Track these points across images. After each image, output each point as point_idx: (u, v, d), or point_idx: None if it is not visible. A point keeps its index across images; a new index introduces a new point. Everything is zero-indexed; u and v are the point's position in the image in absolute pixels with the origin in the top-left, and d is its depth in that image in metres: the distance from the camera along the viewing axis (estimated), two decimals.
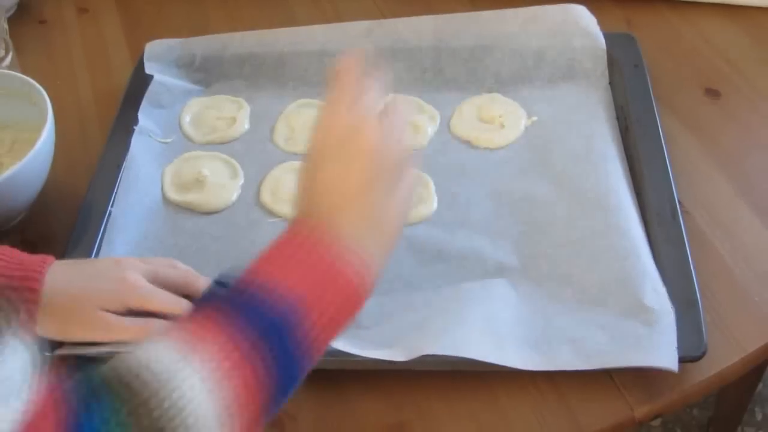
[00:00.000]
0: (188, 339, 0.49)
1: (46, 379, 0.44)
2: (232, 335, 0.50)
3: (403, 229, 0.62)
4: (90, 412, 0.45)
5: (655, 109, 0.86)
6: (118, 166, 0.86)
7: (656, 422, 1.49)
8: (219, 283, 0.54)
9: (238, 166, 0.89)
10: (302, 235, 0.56)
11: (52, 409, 0.44)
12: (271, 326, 0.51)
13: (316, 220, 0.57)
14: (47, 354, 0.66)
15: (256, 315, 0.51)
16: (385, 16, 1.05)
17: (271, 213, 0.84)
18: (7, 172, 0.77)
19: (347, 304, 0.55)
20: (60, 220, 0.85)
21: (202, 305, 0.54)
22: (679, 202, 0.78)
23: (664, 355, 0.66)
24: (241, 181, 0.87)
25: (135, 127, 0.90)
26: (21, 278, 0.66)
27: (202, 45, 0.98)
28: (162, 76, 0.95)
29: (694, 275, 0.72)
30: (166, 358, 0.48)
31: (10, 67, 0.94)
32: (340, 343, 0.66)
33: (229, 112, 0.94)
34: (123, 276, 0.69)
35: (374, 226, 0.58)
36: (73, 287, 0.68)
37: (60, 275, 0.68)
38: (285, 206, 0.84)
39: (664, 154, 0.82)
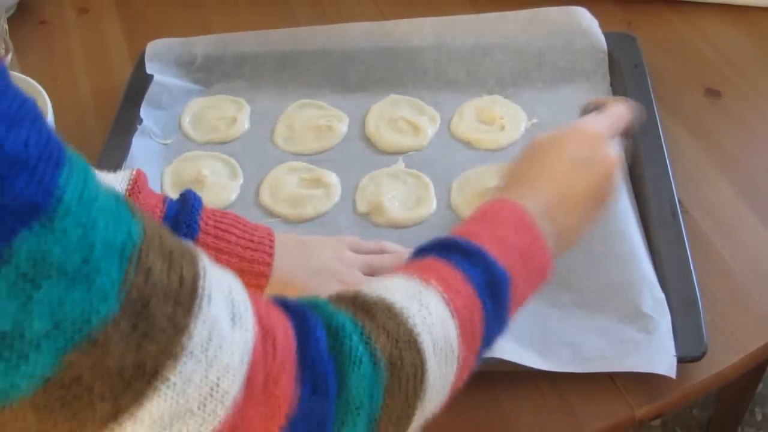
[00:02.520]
0: (425, 269, 0.51)
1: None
2: (461, 275, 0.51)
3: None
4: (317, 322, 0.44)
5: (655, 109, 0.86)
6: (118, 166, 0.86)
7: (656, 422, 1.49)
8: (433, 241, 0.55)
9: (237, 166, 0.89)
10: (511, 203, 0.58)
11: (278, 318, 0.43)
12: (495, 277, 0.52)
13: (528, 202, 0.58)
14: None
15: (482, 263, 0.52)
16: (385, 18, 1.05)
17: (270, 213, 0.84)
18: None
19: (542, 274, 0.58)
20: None
21: (423, 255, 0.54)
22: (680, 203, 0.78)
23: (661, 361, 0.66)
24: (240, 181, 0.87)
25: (138, 126, 0.90)
26: (251, 260, 0.66)
27: (203, 44, 0.98)
28: (162, 76, 0.95)
29: (694, 275, 0.72)
30: (404, 282, 0.49)
31: (10, 67, 0.93)
32: None
33: (229, 112, 0.94)
34: (343, 279, 0.69)
35: (568, 233, 0.61)
36: (297, 281, 0.68)
37: (283, 262, 0.68)
38: (284, 206, 0.84)
39: (664, 154, 0.82)
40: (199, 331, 0.37)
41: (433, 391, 0.48)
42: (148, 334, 0.36)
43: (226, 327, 0.39)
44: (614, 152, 0.65)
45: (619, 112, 0.69)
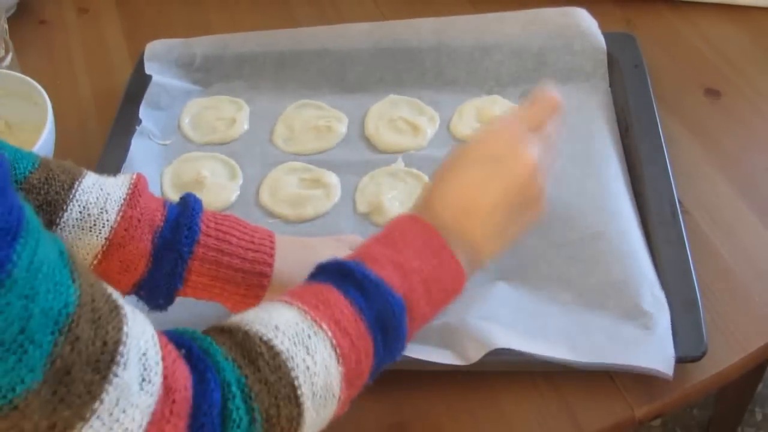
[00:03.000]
0: (320, 304, 0.51)
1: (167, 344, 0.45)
2: (354, 310, 0.51)
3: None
4: (215, 381, 0.45)
5: (655, 109, 0.86)
6: (118, 167, 0.86)
7: (656, 422, 1.49)
8: (331, 264, 0.55)
9: (237, 166, 0.89)
10: (420, 224, 0.57)
11: (181, 376, 0.44)
12: (390, 309, 0.52)
13: (434, 216, 0.58)
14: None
15: (376, 296, 0.52)
16: (385, 18, 1.05)
17: (270, 213, 0.84)
18: None
19: (452, 293, 0.57)
20: None
21: (319, 279, 0.54)
22: (679, 202, 0.78)
23: (660, 360, 0.66)
24: (240, 181, 0.87)
25: (137, 127, 0.90)
26: (252, 261, 0.66)
27: (202, 45, 0.98)
28: (161, 77, 0.95)
29: (694, 275, 0.72)
30: (296, 323, 0.49)
31: (10, 67, 0.94)
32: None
33: (228, 113, 0.94)
34: None
35: (485, 245, 0.59)
36: (298, 282, 0.69)
37: (283, 263, 0.68)
38: (284, 206, 0.84)
39: (664, 154, 0.82)
40: (110, 397, 0.40)
41: None
42: (65, 399, 0.38)
43: (134, 390, 0.41)
44: (531, 150, 0.61)
45: (540, 103, 0.65)
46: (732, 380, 0.71)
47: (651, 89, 0.88)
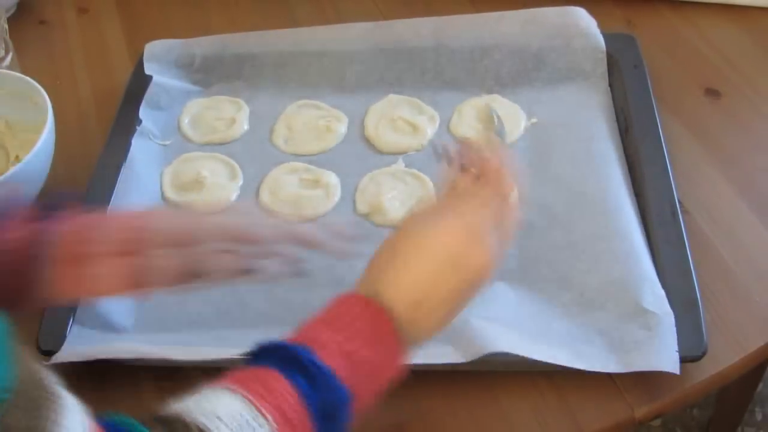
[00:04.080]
0: (267, 393, 0.49)
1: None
2: (300, 400, 0.50)
3: None
4: None
5: (655, 109, 0.86)
6: (118, 167, 0.86)
7: (656, 422, 1.49)
8: (278, 347, 0.53)
9: (237, 166, 0.89)
10: (372, 309, 0.55)
11: None
12: (336, 401, 0.51)
13: (385, 303, 0.55)
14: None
15: (324, 387, 0.51)
16: (385, 17, 1.05)
17: (270, 213, 0.84)
18: (7, 173, 0.77)
19: (390, 380, 0.55)
20: None
21: (264, 363, 0.52)
22: (679, 203, 0.78)
23: (664, 358, 0.66)
24: (240, 181, 0.87)
25: (137, 127, 0.90)
26: None
27: (202, 45, 0.98)
28: (161, 77, 0.95)
29: (694, 275, 0.72)
30: (240, 414, 0.48)
31: (10, 67, 0.94)
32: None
33: (228, 113, 0.94)
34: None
35: (431, 333, 0.58)
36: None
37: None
38: (284, 207, 0.84)
39: (664, 154, 0.82)
40: None
41: None
42: None
43: None
44: (489, 244, 0.59)
45: (503, 189, 0.63)
46: (732, 380, 0.71)
47: (651, 89, 0.88)
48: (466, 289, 0.58)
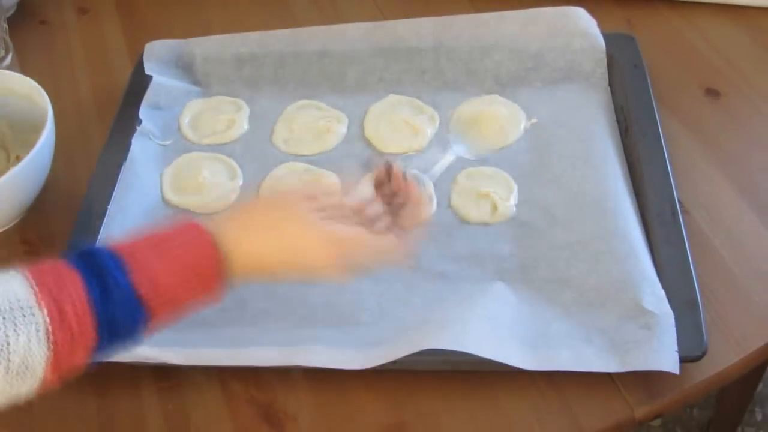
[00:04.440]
0: (56, 286, 0.51)
1: None
2: (90, 308, 0.51)
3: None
4: None
5: (655, 109, 0.86)
6: (118, 167, 0.86)
7: (656, 422, 1.49)
8: (92, 252, 0.55)
9: (237, 167, 0.89)
10: (195, 234, 0.58)
11: None
12: (130, 316, 0.53)
13: (221, 240, 0.58)
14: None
15: (120, 301, 0.53)
16: (385, 17, 1.05)
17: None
18: (8, 173, 0.77)
19: (208, 295, 0.58)
20: (60, 219, 0.85)
21: (73, 262, 0.54)
22: (679, 202, 0.78)
23: (664, 358, 0.66)
24: (240, 182, 0.87)
25: (137, 127, 0.90)
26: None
27: (201, 46, 0.98)
28: (161, 77, 0.95)
29: (694, 275, 0.72)
30: (17, 299, 0.49)
31: (10, 67, 0.94)
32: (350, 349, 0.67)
33: (228, 114, 0.94)
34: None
35: (259, 258, 0.60)
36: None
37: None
38: None
39: (664, 154, 0.82)
40: None
41: None
42: None
43: None
44: (309, 211, 0.63)
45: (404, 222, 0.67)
46: (732, 380, 0.71)
47: (651, 89, 0.88)
48: (284, 218, 0.62)
